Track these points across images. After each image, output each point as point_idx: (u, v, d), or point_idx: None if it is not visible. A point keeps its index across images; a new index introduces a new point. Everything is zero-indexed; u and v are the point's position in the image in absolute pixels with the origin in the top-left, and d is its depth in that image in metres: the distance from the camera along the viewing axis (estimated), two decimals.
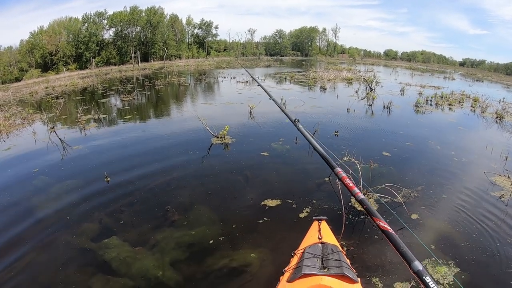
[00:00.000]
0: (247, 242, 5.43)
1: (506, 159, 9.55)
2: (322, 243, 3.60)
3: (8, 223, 6.36)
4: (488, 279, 4.67)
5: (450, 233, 5.70)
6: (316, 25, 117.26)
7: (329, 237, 3.85)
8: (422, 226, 5.88)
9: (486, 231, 5.73)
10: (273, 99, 5.51)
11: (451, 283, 4.46)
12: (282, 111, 4.51)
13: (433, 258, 4.90)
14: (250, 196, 7.06)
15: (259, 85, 6.22)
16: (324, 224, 4.01)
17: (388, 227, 2.26)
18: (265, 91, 6.00)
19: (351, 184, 2.68)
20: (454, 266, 4.78)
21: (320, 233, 3.75)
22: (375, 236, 5.55)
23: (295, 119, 3.96)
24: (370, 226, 5.91)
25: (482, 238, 5.53)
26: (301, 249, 3.59)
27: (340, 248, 3.60)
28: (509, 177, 8.16)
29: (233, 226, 5.93)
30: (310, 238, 3.84)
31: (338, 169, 2.92)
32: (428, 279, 1.94)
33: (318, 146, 3.28)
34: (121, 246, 5.42)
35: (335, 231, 4.50)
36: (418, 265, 2.02)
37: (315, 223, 4.02)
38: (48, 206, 6.94)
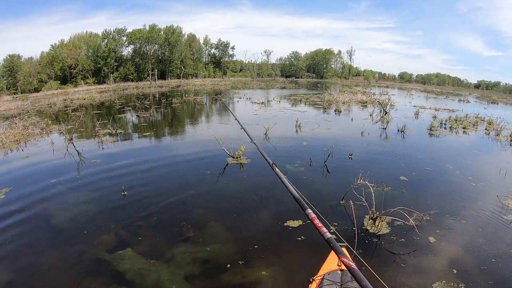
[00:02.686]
0: (261, 261, 5.47)
1: None
2: (341, 270, 3.58)
3: (25, 231, 6.52)
4: None
5: (462, 256, 5.69)
6: (332, 48, 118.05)
7: None
8: (436, 249, 5.87)
9: (499, 256, 5.72)
10: (254, 143, 5.67)
11: None
12: (261, 153, 4.70)
13: (444, 281, 4.94)
14: (264, 216, 7.14)
15: (242, 127, 6.49)
16: (343, 251, 3.96)
17: (352, 264, 2.44)
18: (247, 133, 6.16)
19: (319, 225, 2.86)
20: None
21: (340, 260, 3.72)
22: (392, 260, 5.58)
23: (273, 162, 4.12)
24: (385, 248, 5.95)
25: (496, 263, 5.50)
26: (320, 276, 3.58)
27: None
28: None
29: (248, 244, 5.98)
30: (330, 264, 3.83)
31: (309, 211, 3.12)
32: None
33: (293, 189, 3.48)
34: (136, 258, 5.51)
35: (350, 252, 4.53)
36: None
37: None
38: (64, 217, 7.09)
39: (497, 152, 14.32)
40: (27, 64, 67.82)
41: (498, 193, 8.50)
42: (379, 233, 6.41)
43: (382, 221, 6.72)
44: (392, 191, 8.45)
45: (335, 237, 2.92)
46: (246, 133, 6.14)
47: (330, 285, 3.30)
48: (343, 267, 3.58)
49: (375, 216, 6.72)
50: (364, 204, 7.00)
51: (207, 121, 21.65)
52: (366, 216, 6.98)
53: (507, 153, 14.24)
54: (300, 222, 6.76)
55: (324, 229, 2.82)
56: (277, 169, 4.08)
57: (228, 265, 5.33)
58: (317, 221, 2.96)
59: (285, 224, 6.70)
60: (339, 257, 2.62)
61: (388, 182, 8.94)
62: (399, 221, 6.70)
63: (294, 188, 3.48)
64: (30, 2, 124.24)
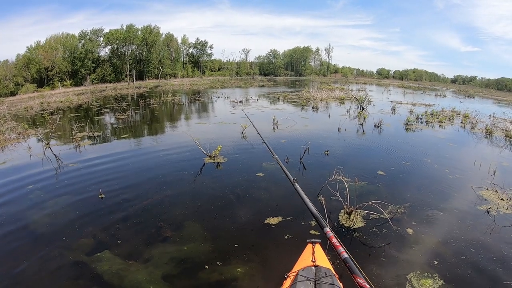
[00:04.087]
0: (239, 258, 5.56)
1: (494, 173, 9.84)
2: (315, 266, 3.61)
3: (3, 237, 6.46)
4: None
5: (437, 247, 5.86)
6: (310, 45, 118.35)
7: (323, 261, 3.82)
8: (411, 241, 6.06)
9: (473, 246, 5.90)
10: (276, 157, 5.77)
11: None
12: (282, 168, 4.82)
13: (418, 271, 5.08)
14: (242, 214, 7.22)
15: (264, 141, 6.72)
16: (318, 247, 3.98)
17: (367, 285, 2.53)
18: (269, 148, 6.28)
19: (337, 244, 2.97)
20: (439, 279, 4.94)
21: (314, 256, 3.74)
22: (368, 254, 5.74)
23: (294, 179, 4.22)
24: (360, 241, 6.10)
25: (469, 252, 5.70)
26: (294, 272, 3.60)
27: (334, 272, 3.59)
28: (496, 191, 8.42)
29: (225, 242, 6.07)
30: (304, 261, 3.83)
31: (327, 229, 3.21)
32: None
33: (312, 207, 3.57)
34: (114, 260, 5.55)
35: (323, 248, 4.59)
36: None
37: (309, 246, 4.00)
38: (42, 221, 7.04)
39: (473, 144, 14.80)
40: (2, 67, 66.35)
41: (473, 184, 8.81)
42: (354, 227, 6.57)
43: (357, 215, 6.88)
44: (369, 186, 8.67)
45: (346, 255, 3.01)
46: (268, 147, 6.28)
47: (304, 281, 3.33)
48: (317, 263, 3.66)
49: (349, 211, 6.86)
50: (340, 199, 7.13)
51: (186, 121, 21.59)
52: (342, 210, 7.11)
53: (482, 145, 14.74)
54: (279, 219, 6.88)
55: (341, 249, 2.93)
56: (297, 186, 4.16)
57: (205, 264, 5.39)
58: (334, 240, 3.07)
59: (264, 221, 6.81)
60: (354, 278, 2.70)
61: (365, 177, 9.16)
62: (374, 214, 6.85)
63: (314, 207, 3.56)
64: (6, 3, 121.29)
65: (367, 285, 2.55)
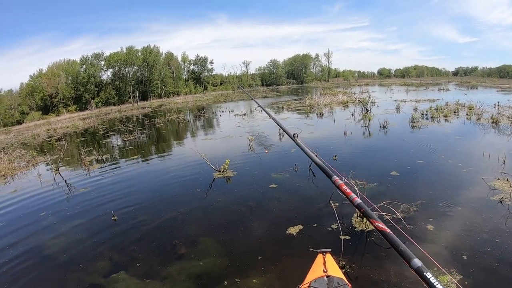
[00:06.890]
0: (253, 271, 5.53)
1: (504, 162, 9.78)
2: (327, 276, 3.55)
3: (20, 266, 6.48)
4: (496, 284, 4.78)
5: (455, 242, 5.78)
6: (309, 52, 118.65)
7: (335, 270, 3.77)
8: (427, 238, 5.98)
9: (487, 237, 5.82)
10: (272, 118, 5.80)
11: None
12: (280, 126, 4.82)
13: (435, 268, 5.04)
14: (256, 227, 7.20)
15: (259, 106, 6.66)
16: (329, 257, 3.93)
17: (386, 228, 2.43)
18: (266, 112, 6.34)
19: (348, 190, 2.88)
20: (457, 274, 4.90)
21: (325, 266, 3.66)
22: (384, 255, 5.72)
23: (294, 134, 4.23)
24: (375, 243, 6.08)
25: (483, 244, 5.61)
26: (307, 284, 3.54)
27: (346, 281, 3.54)
28: (507, 180, 8.34)
29: (242, 256, 6.06)
30: (315, 271, 3.77)
31: (335, 178, 3.11)
32: (428, 275, 2.01)
33: (316, 159, 3.51)
34: (130, 280, 5.57)
35: (337, 255, 4.56)
36: (417, 262, 2.11)
37: (320, 256, 3.94)
38: (58, 248, 7.08)
39: (481, 135, 14.64)
40: (7, 97, 67.32)
41: (485, 175, 8.70)
42: (368, 229, 6.51)
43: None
44: (381, 187, 8.59)
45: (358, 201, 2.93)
46: (265, 111, 6.31)
47: None
48: (329, 273, 3.63)
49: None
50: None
51: (192, 137, 21.68)
52: (355, 214, 7.09)
53: (490, 135, 14.60)
54: (300, 227, 6.86)
55: (353, 195, 2.82)
56: (298, 141, 4.17)
57: (224, 280, 5.36)
58: (344, 187, 2.97)
59: (284, 231, 6.77)
60: (371, 222, 2.65)
61: (378, 178, 9.08)
62: (388, 215, 6.81)
63: (317, 157, 3.51)
64: (6, 35, 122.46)
65: (386, 228, 2.48)
